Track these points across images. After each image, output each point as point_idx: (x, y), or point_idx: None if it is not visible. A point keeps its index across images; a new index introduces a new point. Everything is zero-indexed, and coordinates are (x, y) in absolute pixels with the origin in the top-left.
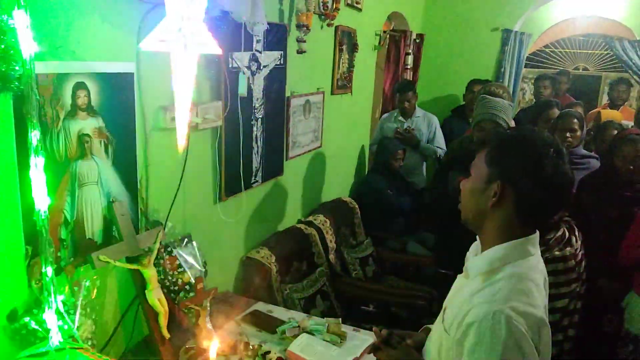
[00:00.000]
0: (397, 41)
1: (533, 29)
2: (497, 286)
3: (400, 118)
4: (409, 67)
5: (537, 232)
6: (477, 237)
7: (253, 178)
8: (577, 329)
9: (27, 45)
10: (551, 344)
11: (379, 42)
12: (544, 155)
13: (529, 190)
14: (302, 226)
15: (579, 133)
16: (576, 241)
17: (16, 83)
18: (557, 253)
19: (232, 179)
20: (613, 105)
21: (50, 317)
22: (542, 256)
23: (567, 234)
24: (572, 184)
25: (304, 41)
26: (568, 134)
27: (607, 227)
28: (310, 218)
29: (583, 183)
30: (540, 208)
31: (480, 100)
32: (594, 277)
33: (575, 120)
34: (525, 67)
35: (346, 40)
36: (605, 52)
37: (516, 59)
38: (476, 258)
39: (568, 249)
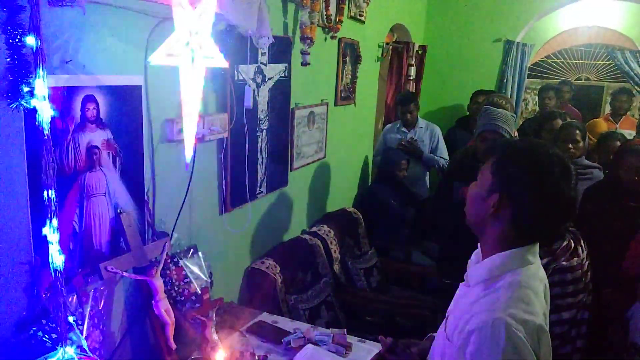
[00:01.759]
0: (399, 53)
1: (535, 39)
2: (497, 294)
3: (403, 129)
4: (411, 78)
5: (537, 242)
6: (479, 244)
7: (258, 189)
8: (584, 340)
9: (39, 59)
10: (558, 356)
11: (382, 54)
12: (547, 173)
13: (526, 207)
14: (307, 236)
15: (581, 144)
16: (582, 251)
17: (28, 97)
18: (564, 263)
19: (238, 190)
20: (615, 115)
21: (58, 327)
22: (549, 266)
23: (572, 243)
24: (574, 204)
25: (308, 53)
26: (570, 145)
27: (612, 237)
28: (315, 228)
29: (587, 193)
30: (537, 224)
31: (483, 111)
32: (599, 287)
33: (578, 132)
34: (527, 77)
35: (349, 52)
36: (607, 62)
37: (518, 69)
38: (476, 266)
39: (575, 259)
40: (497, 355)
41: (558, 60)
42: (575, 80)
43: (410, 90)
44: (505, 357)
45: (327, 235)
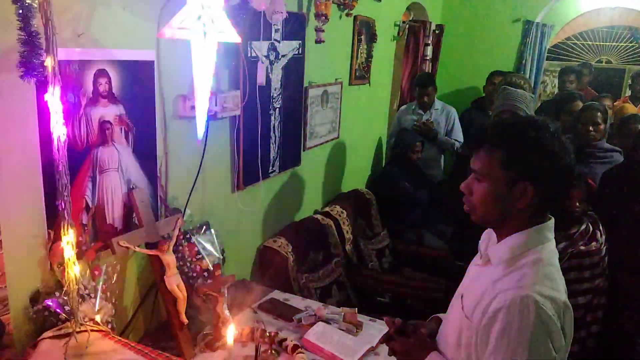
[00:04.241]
0: (416, 32)
1: (555, 20)
2: (522, 272)
3: (419, 110)
4: (427, 58)
5: (553, 218)
6: (492, 228)
7: (271, 168)
8: (600, 325)
9: (51, 31)
10: (572, 340)
11: (398, 33)
12: (552, 142)
13: (553, 181)
14: (319, 217)
15: (602, 127)
16: (601, 235)
17: (40, 69)
18: (582, 248)
19: (250, 169)
20: (634, 97)
21: (71, 299)
22: (566, 251)
23: (591, 228)
24: (573, 152)
25: (323, 31)
26: (591, 128)
27: (630, 221)
28: (327, 209)
29: (606, 177)
30: (561, 189)
31: (501, 91)
32: (615, 272)
33: (599, 114)
34: (547, 59)
35: (365, 31)
36: (630, 44)
37: (537, 51)
38: (497, 246)
39: (593, 243)
40: (527, 332)
41: (578, 42)
42: (596, 62)
43: (427, 70)
44: (534, 333)
45: (340, 216)
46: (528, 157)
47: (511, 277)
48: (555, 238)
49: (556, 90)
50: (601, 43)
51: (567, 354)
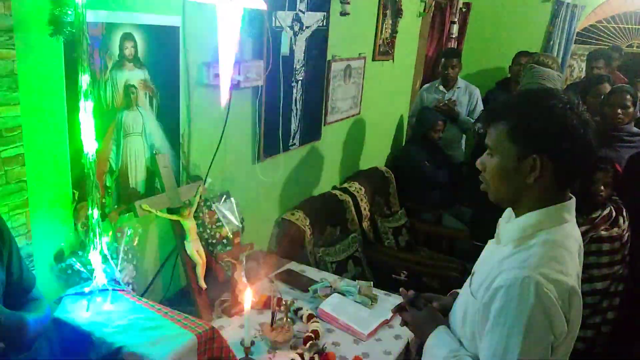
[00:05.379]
0: (442, 9)
1: (587, 1)
2: (529, 252)
3: (442, 88)
4: (453, 36)
5: (574, 198)
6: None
7: (291, 140)
8: (617, 312)
9: None
10: (588, 326)
11: (424, 9)
12: (564, 113)
13: (567, 154)
14: (337, 192)
15: (631, 110)
16: (624, 222)
17: (68, 28)
18: (603, 233)
19: (271, 140)
20: None
21: (94, 259)
22: (587, 234)
23: (614, 213)
24: (592, 127)
25: (348, 3)
26: (619, 110)
27: None
28: (346, 185)
29: (632, 161)
30: (579, 165)
31: (529, 69)
32: (636, 260)
33: (629, 97)
34: (575, 42)
35: (390, 5)
36: None
37: (566, 32)
38: (509, 225)
39: (615, 229)
40: (524, 314)
41: (609, 25)
42: (627, 47)
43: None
44: (532, 316)
45: (358, 193)
46: (536, 128)
47: (518, 256)
48: (576, 221)
49: (583, 75)
50: (634, 26)
51: (573, 340)
